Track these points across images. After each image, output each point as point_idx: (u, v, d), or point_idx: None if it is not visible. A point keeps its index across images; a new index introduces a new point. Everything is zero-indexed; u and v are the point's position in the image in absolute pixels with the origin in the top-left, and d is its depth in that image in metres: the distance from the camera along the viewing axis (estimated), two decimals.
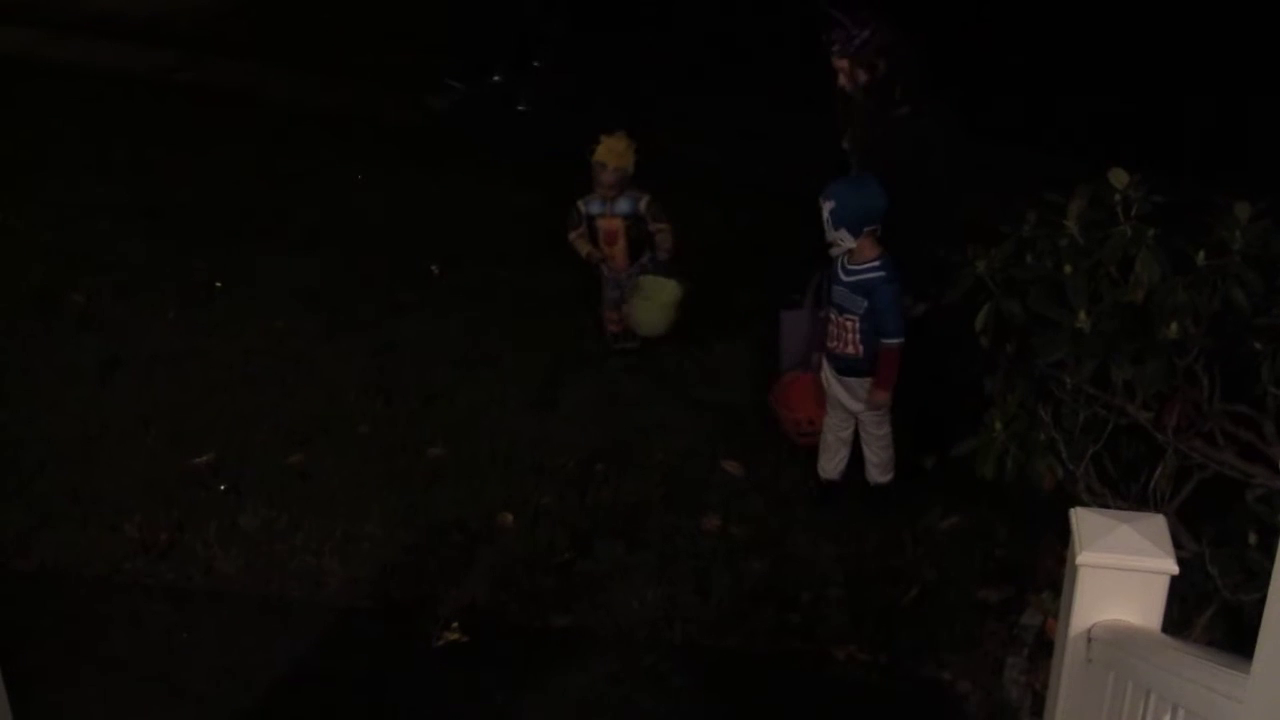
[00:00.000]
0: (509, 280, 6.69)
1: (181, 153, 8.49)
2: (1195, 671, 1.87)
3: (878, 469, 4.87)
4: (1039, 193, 3.52)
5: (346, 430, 5.35)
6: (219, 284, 6.65)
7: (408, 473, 5.05)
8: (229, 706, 3.87)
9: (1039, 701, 3.68)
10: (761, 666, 4.11)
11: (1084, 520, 2.36)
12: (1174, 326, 3.20)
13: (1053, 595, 3.79)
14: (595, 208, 5.88)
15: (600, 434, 5.34)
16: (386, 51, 10.01)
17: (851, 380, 4.72)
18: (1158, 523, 2.35)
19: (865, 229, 4.52)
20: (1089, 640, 2.34)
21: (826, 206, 4.51)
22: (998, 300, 3.57)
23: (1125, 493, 3.50)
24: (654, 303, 5.78)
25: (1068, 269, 3.35)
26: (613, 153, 5.78)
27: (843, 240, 4.54)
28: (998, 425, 3.55)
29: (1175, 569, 2.28)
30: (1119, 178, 3.34)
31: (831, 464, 4.93)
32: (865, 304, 4.56)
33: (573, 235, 5.92)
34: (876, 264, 4.55)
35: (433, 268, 6.77)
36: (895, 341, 4.55)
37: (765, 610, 4.32)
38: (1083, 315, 3.28)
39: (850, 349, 4.64)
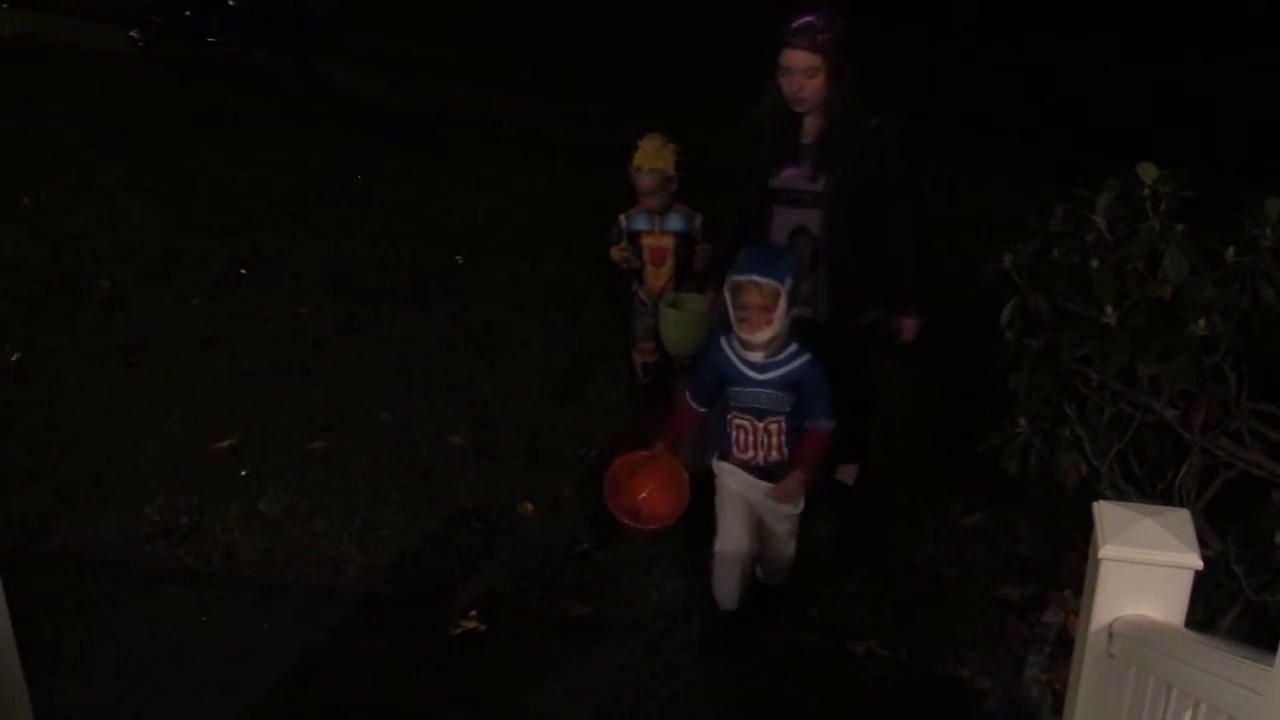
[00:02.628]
0: (532, 270, 6.69)
1: (208, 140, 8.52)
2: (1218, 665, 1.84)
3: (778, 569, 4.29)
4: (1067, 189, 3.50)
5: (368, 417, 5.35)
6: (244, 271, 6.68)
7: (429, 461, 5.05)
8: (247, 689, 3.86)
9: (1059, 700, 3.65)
10: (780, 660, 4.08)
11: (1108, 513, 2.33)
12: (1202, 323, 3.16)
13: (1075, 593, 3.78)
14: (640, 223, 5.25)
15: (622, 424, 5.33)
16: None
17: (769, 484, 4.03)
18: (1182, 517, 2.32)
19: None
20: (1110, 635, 2.31)
21: (772, 285, 3.78)
22: (1024, 295, 3.55)
23: (1150, 491, 3.47)
24: (685, 312, 5.09)
25: (1095, 264, 3.32)
26: (648, 154, 5.13)
27: (781, 329, 3.86)
28: (1022, 421, 3.52)
29: (1199, 564, 2.25)
30: (1148, 172, 3.31)
31: (730, 584, 4.14)
32: (792, 400, 3.91)
33: (614, 251, 5.27)
34: (796, 348, 3.91)
35: (457, 257, 6.78)
36: (829, 424, 3.92)
37: (784, 604, 4.30)
38: (1109, 310, 3.24)
39: (775, 454, 3.99)
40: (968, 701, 3.90)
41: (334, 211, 7.46)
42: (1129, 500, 3.34)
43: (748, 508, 4.08)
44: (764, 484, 4.01)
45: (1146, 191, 3.31)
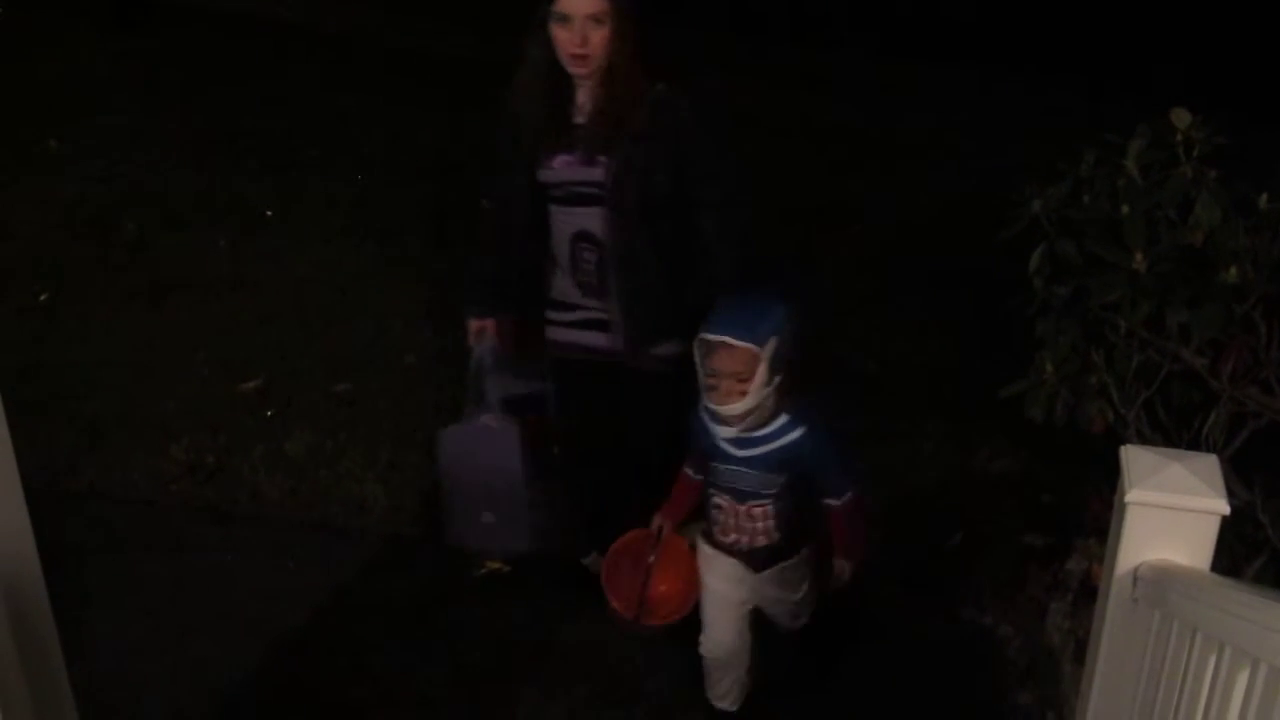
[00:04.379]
0: None
1: (231, 82, 8.51)
2: (1244, 607, 1.83)
3: (790, 623, 3.67)
4: (1098, 135, 3.47)
5: (394, 360, 5.37)
6: (269, 213, 6.68)
7: (454, 403, 5.05)
8: (272, 629, 3.89)
9: (1081, 648, 3.65)
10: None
11: (1134, 458, 2.31)
12: (1233, 271, 3.13)
13: (1099, 541, 3.77)
14: None
15: None
16: None
17: (770, 572, 3.47)
18: (1210, 462, 2.30)
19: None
20: (1135, 579, 2.31)
21: (748, 349, 3.13)
22: (1052, 240, 3.52)
23: (1177, 439, 3.45)
24: None
25: (1125, 210, 3.29)
26: None
27: (761, 401, 3.20)
28: (1049, 367, 3.50)
29: (1226, 509, 2.23)
30: (1181, 118, 3.27)
31: (724, 687, 3.60)
32: (784, 479, 3.30)
33: None
34: (788, 420, 3.27)
35: (484, 201, 6.75)
36: (852, 494, 3.35)
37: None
38: (1139, 257, 3.22)
39: (763, 539, 3.39)
40: (990, 647, 3.90)
41: (361, 154, 7.44)
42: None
43: (738, 603, 3.50)
44: (753, 575, 3.44)
45: (1179, 137, 3.28)
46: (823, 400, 3.47)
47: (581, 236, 3.60)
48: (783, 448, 3.27)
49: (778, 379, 3.19)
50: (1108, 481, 2.94)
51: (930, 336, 5.50)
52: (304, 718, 3.64)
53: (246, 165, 7.21)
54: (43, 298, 5.78)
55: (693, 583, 3.54)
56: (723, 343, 3.13)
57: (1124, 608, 2.36)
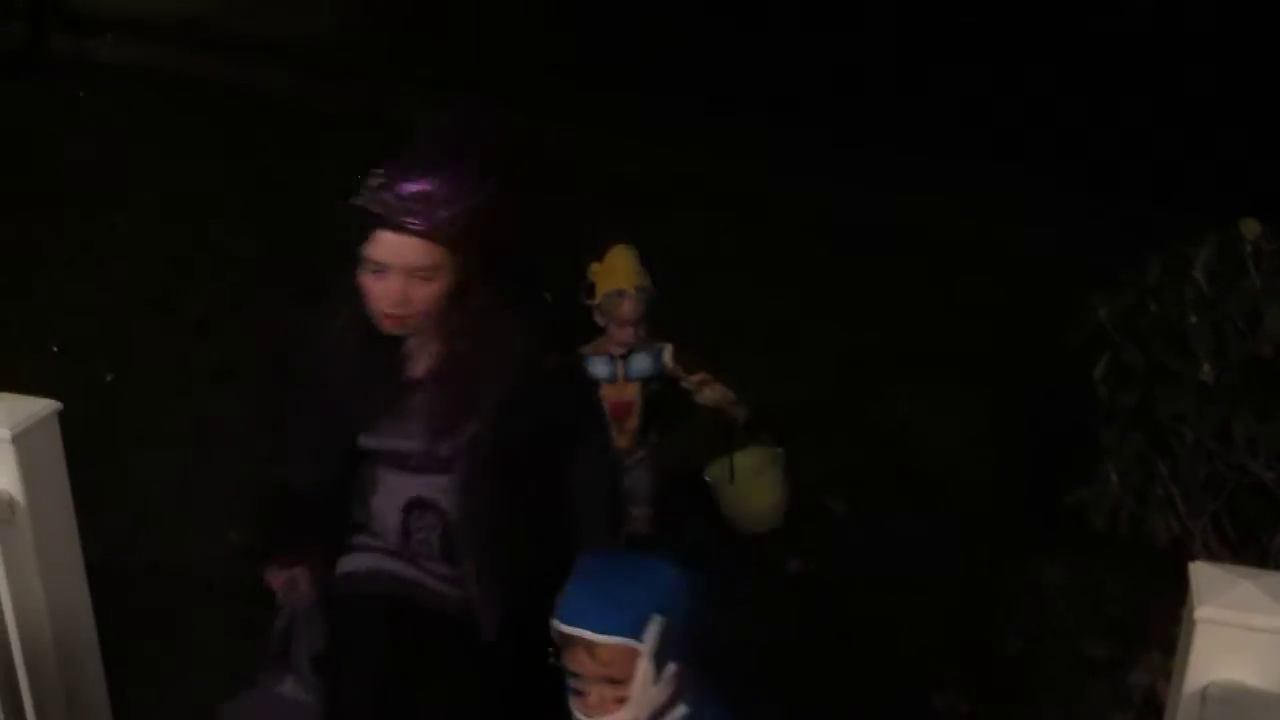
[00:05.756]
0: None
1: (285, 161, 8.61)
2: None
3: None
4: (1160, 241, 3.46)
5: None
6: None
7: None
8: None
9: None
10: (858, 705, 4.02)
11: (1204, 574, 2.27)
12: None
13: (1163, 655, 3.69)
14: (599, 368, 4.00)
15: None
16: None
17: None
18: None
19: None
20: (1204, 699, 2.26)
21: (619, 645, 2.27)
22: (1118, 349, 3.50)
23: (1244, 554, 3.40)
24: (766, 482, 4.19)
25: (1193, 319, 3.26)
26: (626, 270, 3.98)
27: (651, 696, 2.31)
28: (1113, 477, 3.46)
29: None
30: (1250, 228, 3.26)
31: None
32: None
33: None
34: (687, 711, 2.39)
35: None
36: None
37: (864, 650, 4.24)
38: (1207, 367, 3.19)
39: None
40: None
41: None
42: (1222, 563, 3.28)
43: None
44: None
45: (1248, 248, 3.26)
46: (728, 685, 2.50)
47: (417, 505, 2.85)
48: None
49: (669, 670, 2.32)
50: (1173, 594, 2.90)
51: (990, 443, 5.45)
52: None
53: (306, 241, 7.27)
54: (109, 378, 5.84)
55: None
56: (579, 638, 2.29)
57: None
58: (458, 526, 2.84)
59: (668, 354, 4.05)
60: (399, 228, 2.56)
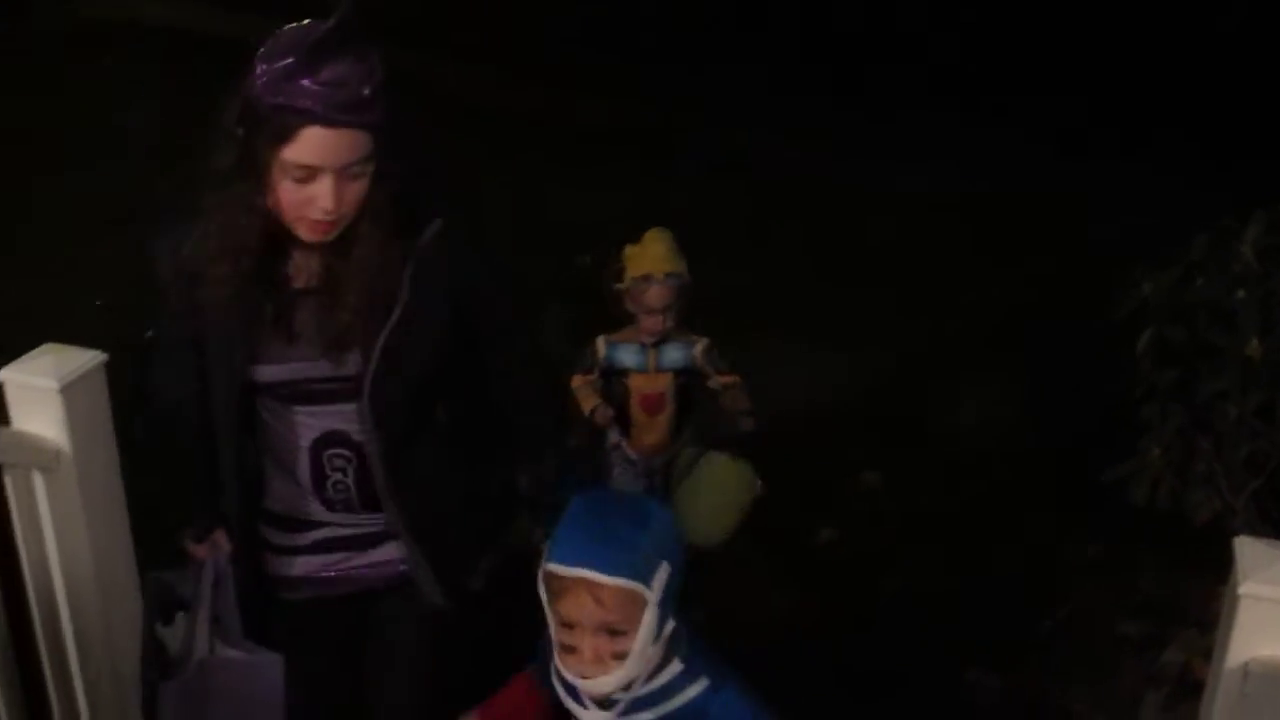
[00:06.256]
0: None
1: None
2: None
3: None
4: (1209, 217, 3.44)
5: None
6: None
7: None
8: None
9: None
10: (889, 680, 4.02)
11: (1248, 550, 2.26)
12: None
13: (1199, 633, 3.68)
14: (628, 357, 3.88)
15: None
16: None
17: None
18: None
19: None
20: (1246, 675, 2.24)
21: (623, 586, 2.07)
22: (1161, 325, 3.48)
23: None
24: (728, 500, 3.83)
25: (1240, 295, 3.24)
26: (657, 255, 3.80)
27: (645, 667, 2.16)
28: (1155, 451, 3.45)
29: None
30: None
31: None
32: None
33: (578, 381, 3.87)
34: (683, 671, 2.22)
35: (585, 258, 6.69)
36: None
37: (897, 625, 4.24)
38: (1254, 343, 3.17)
39: None
40: None
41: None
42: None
43: None
44: None
45: None
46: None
47: (328, 441, 2.55)
48: (678, 712, 2.23)
49: (669, 627, 2.16)
50: (1211, 572, 2.88)
51: (1029, 418, 5.42)
52: None
53: None
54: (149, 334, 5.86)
55: None
56: (583, 579, 2.09)
57: (1233, 702, 2.29)
58: (378, 465, 2.52)
59: (699, 349, 3.88)
60: (329, 122, 2.21)
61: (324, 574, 2.68)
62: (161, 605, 2.67)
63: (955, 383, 5.66)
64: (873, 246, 6.76)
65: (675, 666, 2.22)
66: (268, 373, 2.50)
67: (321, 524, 2.64)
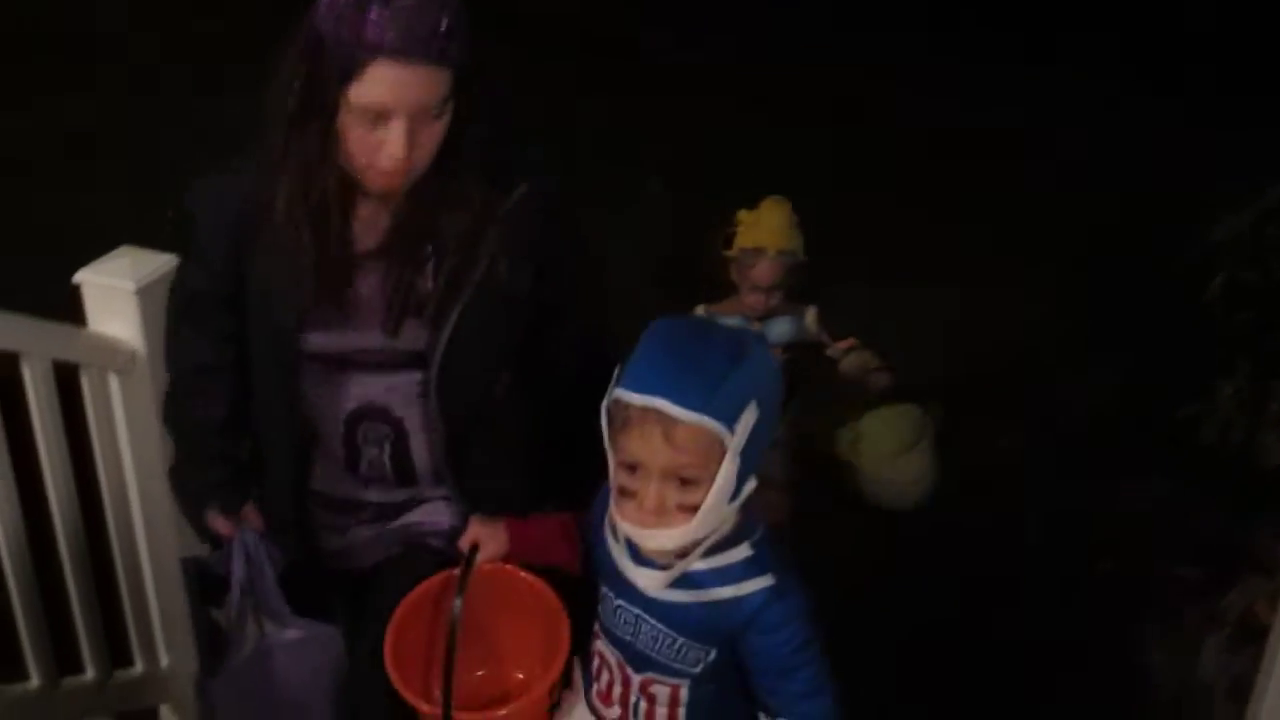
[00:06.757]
0: None
1: None
2: None
3: None
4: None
5: None
6: None
7: None
8: None
9: (1237, 685, 3.54)
10: (949, 627, 4.00)
11: None
12: None
13: (1264, 578, 3.65)
14: None
15: None
16: None
17: None
18: None
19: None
20: None
21: (701, 424, 1.76)
22: (1234, 269, 3.45)
23: None
24: (902, 447, 3.85)
25: None
26: (773, 228, 3.45)
27: (713, 528, 1.88)
28: (1227, 390, 3.42)
29: None
30: None
31: None
32: (711, 656, 1.96)
33: None
34: (750, 557, 1.93)
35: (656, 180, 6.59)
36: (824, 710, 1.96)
37: (955, 571, 4.22)
38: None
39: None
40: (1140, 678, 3.80)
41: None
42: None
43: None
44: None
45: None
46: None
47: (363, 414, 2.36)
48: (728, 604, 1.92)
49: (749, 486, 1.87)
50: (1277, 516, 2.86)
51: (1098, 359, 5.35)
52: None
53: None
54: None
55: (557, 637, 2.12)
56: (655, 411, 1.78)
57: None
58: (426, 441, 2.35)
59: (810, 316, 3.58)
60: (401, 56, 1.94)
61: (375, 542, 2.50)
62: (203, 587, 2.55)
63: (1023, 323, 5.60)
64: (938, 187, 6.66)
65: (743, 550, 1.93)
66: (317, 341, 2.27)
67: (363, 504, 2.47)
